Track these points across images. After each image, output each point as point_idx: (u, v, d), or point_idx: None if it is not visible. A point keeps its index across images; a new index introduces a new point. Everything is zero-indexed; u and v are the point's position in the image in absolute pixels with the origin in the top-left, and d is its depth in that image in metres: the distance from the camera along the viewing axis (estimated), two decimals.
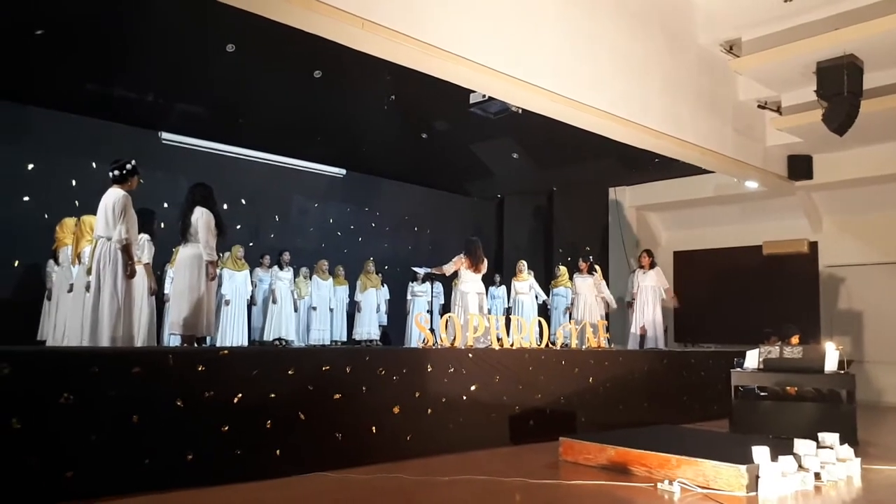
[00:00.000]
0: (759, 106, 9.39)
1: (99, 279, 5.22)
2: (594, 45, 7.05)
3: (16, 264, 8.58)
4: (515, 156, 11.67)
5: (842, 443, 4.67)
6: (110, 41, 7.85)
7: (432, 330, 7.19)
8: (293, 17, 5.23)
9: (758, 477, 3.97)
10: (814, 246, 11.39)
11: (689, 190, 12.15)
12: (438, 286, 10.64)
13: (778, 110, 9.39)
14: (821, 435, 4.68)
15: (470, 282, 7.99)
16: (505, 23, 6.19)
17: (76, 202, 8.37)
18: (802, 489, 4.13)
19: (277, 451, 4.29)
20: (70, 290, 6.95)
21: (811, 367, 6.10)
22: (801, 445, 4.38)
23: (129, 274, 5.34)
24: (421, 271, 10.84)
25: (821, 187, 10.72)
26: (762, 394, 6.46)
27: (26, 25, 7.39)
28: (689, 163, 9.26)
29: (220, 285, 9.10)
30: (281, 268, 10.44)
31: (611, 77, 7.21)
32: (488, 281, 11.56)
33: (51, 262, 8.15)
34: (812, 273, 11.32)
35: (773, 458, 4.05)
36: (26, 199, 8.70)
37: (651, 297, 9.59)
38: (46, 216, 8.43)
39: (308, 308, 10.93)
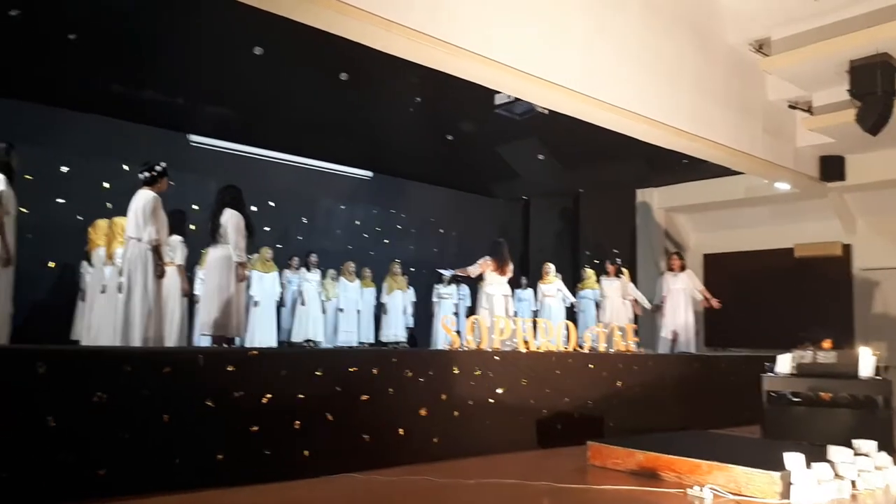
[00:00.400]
0: (790, 106, 9.23)
1: (130, 280, 5.29)
2: (622, 45, 6.99)
3: (51, 265, 8.74)
4: (541, 157, 11.62)
5: (879, 450, 4.55)
6: (141, 45, 7.99)
7: (458, 332, 7.18)
8: (320, 20, 5.27)
9: (791, 484, 3.89)
10: (847, 248, 11.17)
11: (718, 191, 11.99)
12: (465, 288, 10.64)
13: (809, 110, 9.23)
14: (857, 442, 4.56)
15: (496, 284, 7.94)
16: (531, 23, 6.16)
17: (108, 204, 8.53)
18: (838, 497, 4.04)
19: (305, 452, 4.31)
20: (103, 291, 7.06)
21: (846, 372, 5.96)
22: (837, 452, 4.28)
23: (159, 274, 5.41)
24: (447, 273, 10.84)
25: (854, 188, 10.51)
26: (795, 399, 6.33)
27: (60, 31, 7.54)
28: (718, 164, 9.14)
29: (248, 286, 9.18)
30: (308, 269, 10.51)
31: (639, 77, 7.15)
32: (514, 284, 11.52)
33: (84, 263, 8.30)
34: (846, 276, 11.11)
35: (807, 464, 3.96)
36: (60, 200, 8.87)
37: (682, 300, 9.43)
38: (79, 218, 8.59)
39: (335, 309, 10.99)
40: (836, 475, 4.12)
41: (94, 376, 3.65)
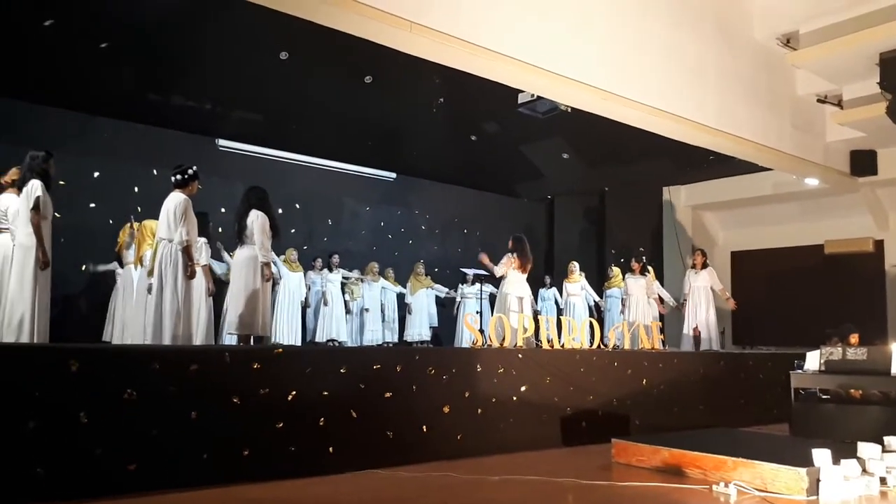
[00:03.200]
0: (819, 100, 9.09)
1: (161, 281, 5.41)
2: (646, 40, 6.95)
3: (83, 268, 8.94)
4: (566, 156, 11.58)
5: None
6: (169, 52, 8.15)
7: (482, 331, 7.19)
8: (344, 23, 5.33)
9: (818, 480, 3.84)
10: (879, 244, 10.95)
11: (746, 188, 11.84)
12: (488, 287, 10.63)
13: (839, 104, 9.08)
14: (887, 439, 4.49)
15: (513, 283, 7.83)
16: (553, 20, 6.16)
17: (139, 208, 8.69)
18: (866, 494, 3.98)
19: (330, 448, 4.36)
20: (150, 292, 7.22)
21: (876, 368, 5.85)
22: (866, 449, 4.21)
23: (190, 275, 5.52)
24: (470, 273, 10.84)
25: (886, 183, 10.31)
26: (824, 397, 6.24)
27: (92, 40, 7.73)
28: (746, 160, 9.03)
29: (275, 286, 9.28)
30: (331, 270, 10.61)
31: (664, 72, 7.10)
32: (538, 283, 11.49)
33: (115, 265, 8.48)
34: (878, 272, 10.90)
35: (836, 461, 3.91)
36: (92, 205, 9.07)
37: (703, 297, 9.37)
38: (111, 221, 8.78)
39: (361, 309, 11.08)
40: (865, 471, 4.06)
41: (125, 374, 3.75)
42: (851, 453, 4.15)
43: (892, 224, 10.98)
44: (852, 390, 6.03)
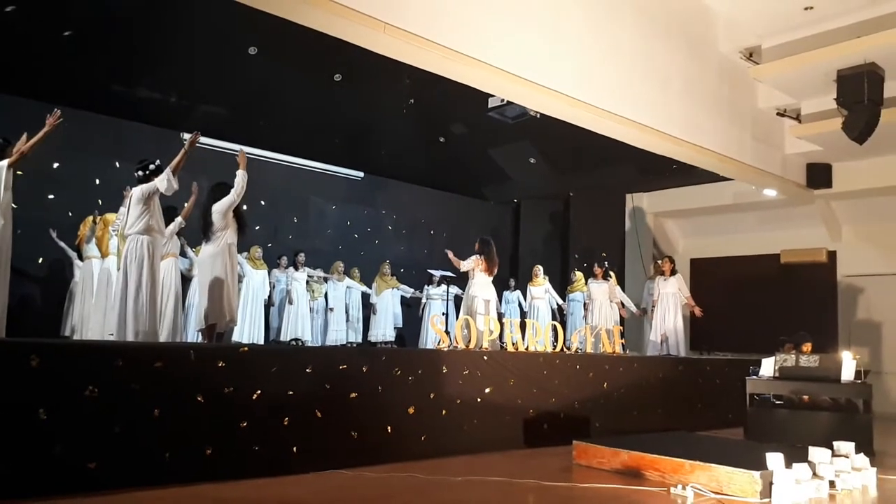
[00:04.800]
0: (779, 113, 9.35)
1: (125, 274, 5.32)
2: (615, 51, 7.07)
3: (40, 261, 8.72)
4: (533, 160, 11.69)
5: (857, 452, 4.65)
6: (135, 43, 8.00)
7: (447, 332, 7.23)
8: (315, 21, 5.31)
9: (771, 483, 3.97)
10: (832, 255, 11.31)
11: (707, 197, 12.11)
12: (454, 289, 10.67)
13: (797, 118, 9.35)
14: (836, 443, 4.66)
15: (480, 286, 7.90)
16: (526, 27, 6.23)
17: (99, 200, 8.52)
18: (816, 497, 4.13)
19: (295, 448, 4.36)
20: (99, 285, 7.10)
21: (828, 376, 6.07)
22: (817, 453, 4.37)
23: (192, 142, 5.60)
24: (437, 274, 10.87)
25: (840, 196, 10.65)
26: (777, 402, 6.44)
27: (55, 27, 7.55)
28: (707, 170, 9.24)
29: (239, 282, 9.17)
30: (296, 269, 10.54)
31: (631, 83, 7.23)
32: (503, 285, 11.58)
33: (74, 259, 8.31)
34: (830, 282, 11.25)
35: (788, 465, 4.05)
36: (51, 196, 8.85)
37: (672, 304, 9.53)
38: (70, 214, 8.58)
39: (324, 309, 11.02)
40: (815, 475, 4.21)
41: (87, 370, 3.69)
42: (803, 457, 4.30)
43: (844, 235, 11.35)
44: (804, 396, 6.24)
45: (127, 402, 3.77)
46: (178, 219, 6.92)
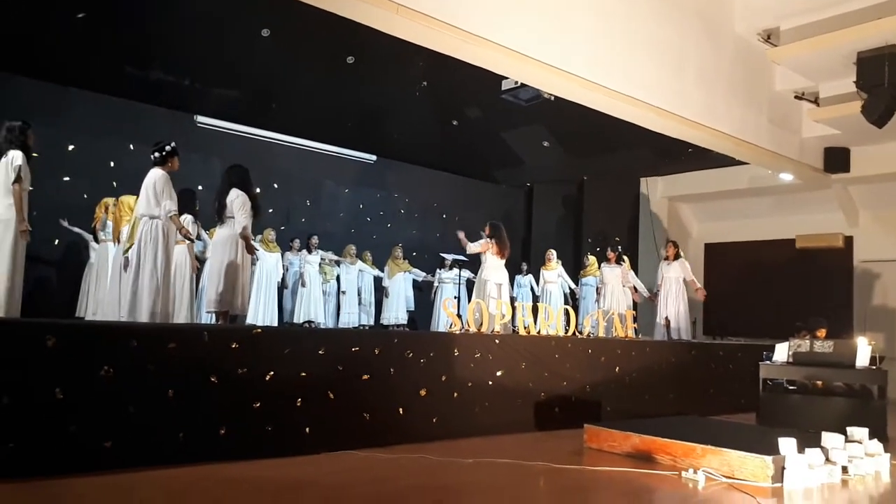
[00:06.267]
0: (796, 96, 9.21)
1: (140, 257, 5.36)
2: (629, 32, 6.99)
3: (56, 243, 8.80)
4: (546, 144, 11.62)
5: (871, 438, 4.63)
6: (150, 26, 8.00)
7: (459, 315, 7.24)
8: (328, 2, 5.28)
9: (783, 468, 3.96)
10: (849, 240, 11.17)
11: (722, 181, 11.98)
12: (466, 272, 10.67)
13: (815, 101, 9.21)
14: (849, 429, 4.64)
15: (492, 269, 7.89)
16: (539, 8, 6.16)
17: (114, 183, 8.57)
18: (829, 482, 4.11)
19: (307, 429, 4.39)
20: (125, 269, 7.15)
21: (842, 361, 6.02)
22: (829, 439, 4.35)
23: (185, 236, 5.74)
24: (449, 258, 10.87)
25: (858, 180, 10.50)
26: (791, 387, 6.40)
27: (69, 8, 7.56)
28: (723, 154, 9.14)
29: (253, 265, 9.22)
30: (309, 251, 10.58)
31: (646, 65, 7.15)
32: (515, 269, 11.56)
33: (91, 240, 8.37)
34: (846, 268, 11.12)
35: (800, 450, 4.03)
36: (66, 178, 8.92)
37: (675, 288, 9.51)
38: (86, 196, 8.65)
39: (338, 292, 11.07)
40: (828, 460, 4.20)
41: (102, 350, 3.73)
42: (816, 442, 4.28)
43: (861, 221, 11.21)
44: (817, 381, 6.20)
45: (141, 383, 3.81)
46: (189, 216, 6.92)
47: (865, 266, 11.03)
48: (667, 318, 9.45)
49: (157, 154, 5.64)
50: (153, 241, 5.36)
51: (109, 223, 7.70)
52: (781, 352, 6.38)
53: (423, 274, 11.81)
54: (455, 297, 10.09)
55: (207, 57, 8.80)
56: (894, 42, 7.49)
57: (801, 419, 5.91)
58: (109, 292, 6.57)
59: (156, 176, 5.53)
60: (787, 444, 4.01)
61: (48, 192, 8.33)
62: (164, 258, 5.38)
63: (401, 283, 11.57)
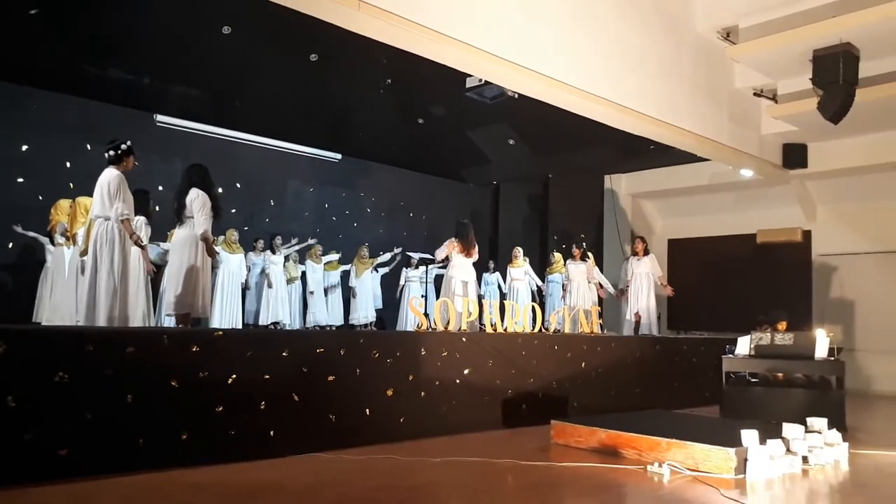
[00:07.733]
0: (755, 94, 9.38)
1: (96, 259, 5.22)
2: (592, 31, 7.03)
3: (10, 246, 8.56)
4: (512, 142, 11.65)
5: (830, 428, 4.73)
6: (106, 22, 7.80)
7: (426, 314, 7.22)
8: None
9: (746, 460, 4.02)
10: (807, 234, 11.43)
11: (684, 178, 12.16)
12: (434, 269, 10.66)
13: (774, 98, 9.39)
14: (809, 420, 4.73)
15: (458, 268, 7.87)
16: (501, 6, 6.17)
17: (70, 184, 8.36)
18: (790, 472, 4.19)
19: (271, 432, 4.33)
20: (83, 273, 6.95)
21: (802, 353, 6.15)
22: (790, 430, 4.43)
23: (136, 242, 5.43)
24: (415, 257, 10.85)
25: (815, 176, 10.75)
26: (753, 380, 6.52)
27: (21, 4, 7.33)
28: (684, 150, 9.27)
29: (215, 267, 9.08)
30: (273, 252, 10.45)
31: (608, 63, 7.20)
32: (482, 267, 11.59)
33: (47, 243, 8.15)
34: (805, 262, 11.38)
35: (762, 441, 4.10)
36: (20, 180, 8.67)
37: (645, 283, 9.66)
38: (40, 197, 8.42)
39: (303, 292, 10.96)
40: (789, 451, 4.27)
41: (57, 355, 3.62)
42: (777, 434, 4.36)
43: (819, 215, 11.47)
44: (777, 373, 6.32)
45: (99, 388, 3.71)
46: (142, 218, 6.75)
47: (823, 260, 11.29)
48: (637, 313, 9.57)
49: (111, 153, 5.49)
50: (109, 242, 5.22)
51: (65, 225, 7.51)
52: (743, 345, 6.49)
53: (389, 254, 11.75)
54: (422, 296, 10.06)
55: (167, 54, 8.62)
56: (848, 40, 7.67)
57: (763, 411, 6.02)
58: (67, 296, 6.40)
59: (110, 176, 5.38)
60: (749, 436, 4.07)
61: (1, 193, 8.11)
62: (120, 259, 5.24)
63: (368, 283, 11.52)
